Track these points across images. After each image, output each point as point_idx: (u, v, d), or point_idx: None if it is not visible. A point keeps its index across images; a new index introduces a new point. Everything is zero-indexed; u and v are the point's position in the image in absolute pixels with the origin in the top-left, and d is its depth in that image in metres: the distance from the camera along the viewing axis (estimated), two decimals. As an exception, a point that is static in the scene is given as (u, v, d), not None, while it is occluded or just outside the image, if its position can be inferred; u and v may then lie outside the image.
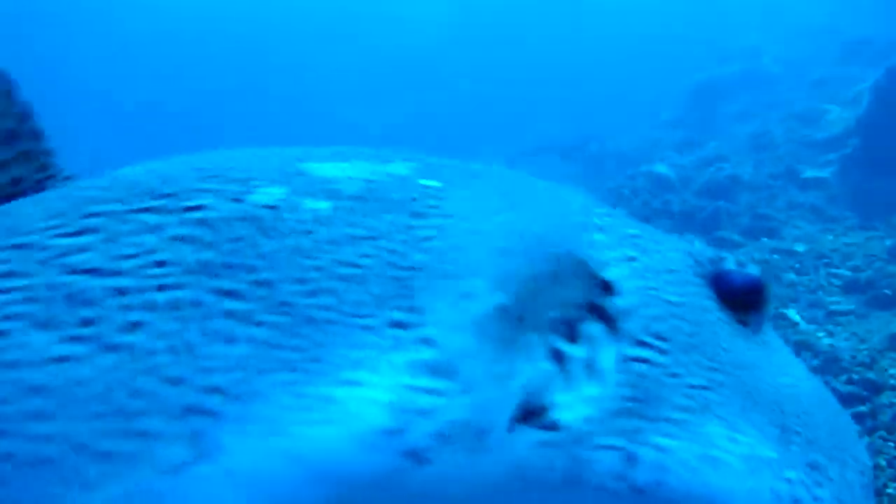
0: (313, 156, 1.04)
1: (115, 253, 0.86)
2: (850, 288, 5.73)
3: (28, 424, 0.76)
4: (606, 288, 0.98)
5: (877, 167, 7.52)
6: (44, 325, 0.81)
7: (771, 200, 7.85)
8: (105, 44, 24.48)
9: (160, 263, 0.85)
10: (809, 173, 8.46)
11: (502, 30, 25.48)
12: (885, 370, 4.54)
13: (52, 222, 0.90)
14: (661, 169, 8.51)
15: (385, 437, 0.81)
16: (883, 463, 3.62)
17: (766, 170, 8.56)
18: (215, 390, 0.79)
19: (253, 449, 0.78)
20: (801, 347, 4.96)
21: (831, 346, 4.91)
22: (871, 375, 4.46)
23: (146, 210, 0.91)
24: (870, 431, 3.83)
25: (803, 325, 5.28)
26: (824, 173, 8.32)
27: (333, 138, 1.31)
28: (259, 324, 0.83)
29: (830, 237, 6.88)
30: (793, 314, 5.47)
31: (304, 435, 0.79)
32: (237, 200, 0.92)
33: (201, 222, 0.89)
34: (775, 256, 6.58)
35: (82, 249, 0.87)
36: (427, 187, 0.99)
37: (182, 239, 0.88)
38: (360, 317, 0.84)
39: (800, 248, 6.73)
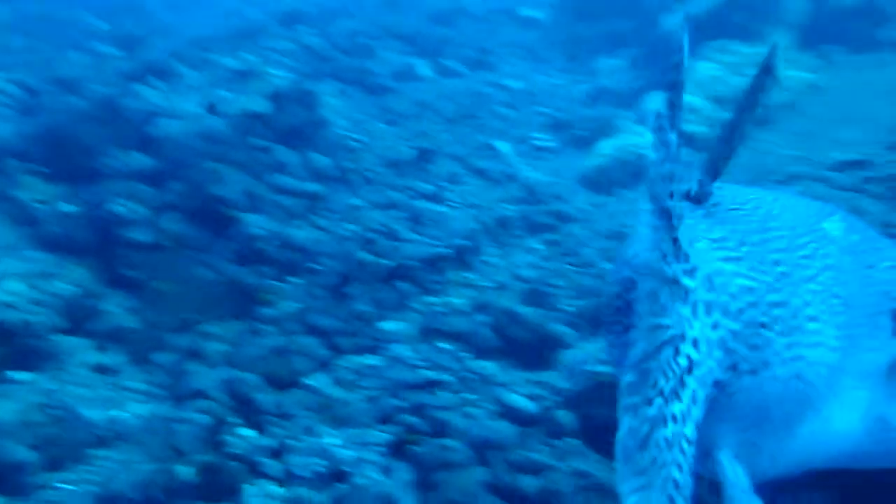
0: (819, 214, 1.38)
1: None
2: (553, 126, 6.28)
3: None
4: None
5: (584, 12, 8.09)
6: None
7: (491, 34, 8.13)
8: None
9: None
10: (527, 12, 8.86)
11: None
12: (572, 203, 5.15)
13: None
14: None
15: None
16: (563, 283, 4.17)
17: (490, 3, 8.80)
18: None
19: None
20: (507, 178, 5.40)
21: (533, 178, 5.40)
22: (561, 207, 5.02)
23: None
24: (560, 256, 4.36)
25: (511, 158, 5.71)
26: (540, 14, 8.77)
27: None
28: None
29: (541, 77, 7.40)
30: (502, 146, 5.87)
31: None
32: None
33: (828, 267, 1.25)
34: (490, 89, 6.92)
35: None
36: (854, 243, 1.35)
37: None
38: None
39: (513, 83, 7.14)
